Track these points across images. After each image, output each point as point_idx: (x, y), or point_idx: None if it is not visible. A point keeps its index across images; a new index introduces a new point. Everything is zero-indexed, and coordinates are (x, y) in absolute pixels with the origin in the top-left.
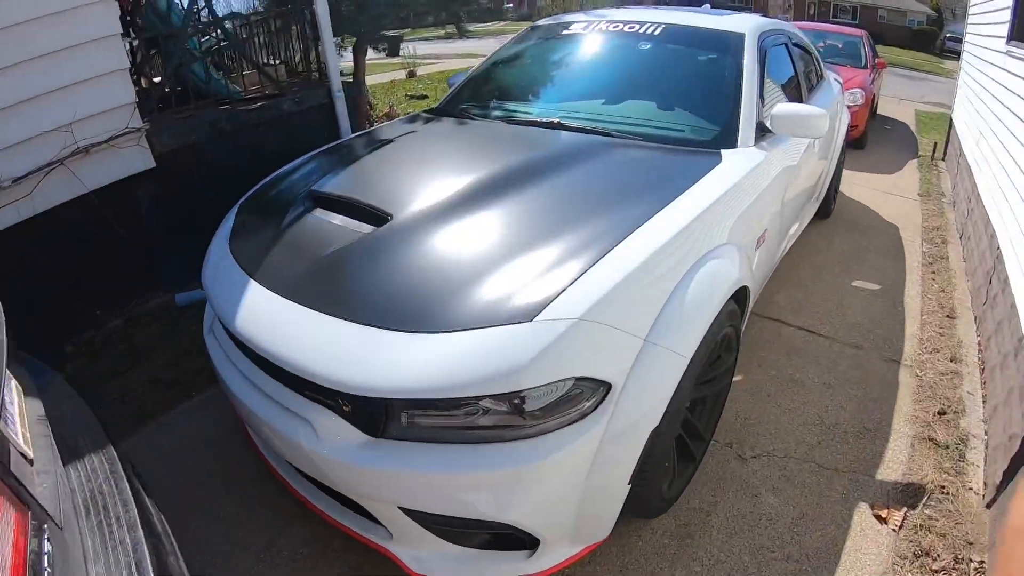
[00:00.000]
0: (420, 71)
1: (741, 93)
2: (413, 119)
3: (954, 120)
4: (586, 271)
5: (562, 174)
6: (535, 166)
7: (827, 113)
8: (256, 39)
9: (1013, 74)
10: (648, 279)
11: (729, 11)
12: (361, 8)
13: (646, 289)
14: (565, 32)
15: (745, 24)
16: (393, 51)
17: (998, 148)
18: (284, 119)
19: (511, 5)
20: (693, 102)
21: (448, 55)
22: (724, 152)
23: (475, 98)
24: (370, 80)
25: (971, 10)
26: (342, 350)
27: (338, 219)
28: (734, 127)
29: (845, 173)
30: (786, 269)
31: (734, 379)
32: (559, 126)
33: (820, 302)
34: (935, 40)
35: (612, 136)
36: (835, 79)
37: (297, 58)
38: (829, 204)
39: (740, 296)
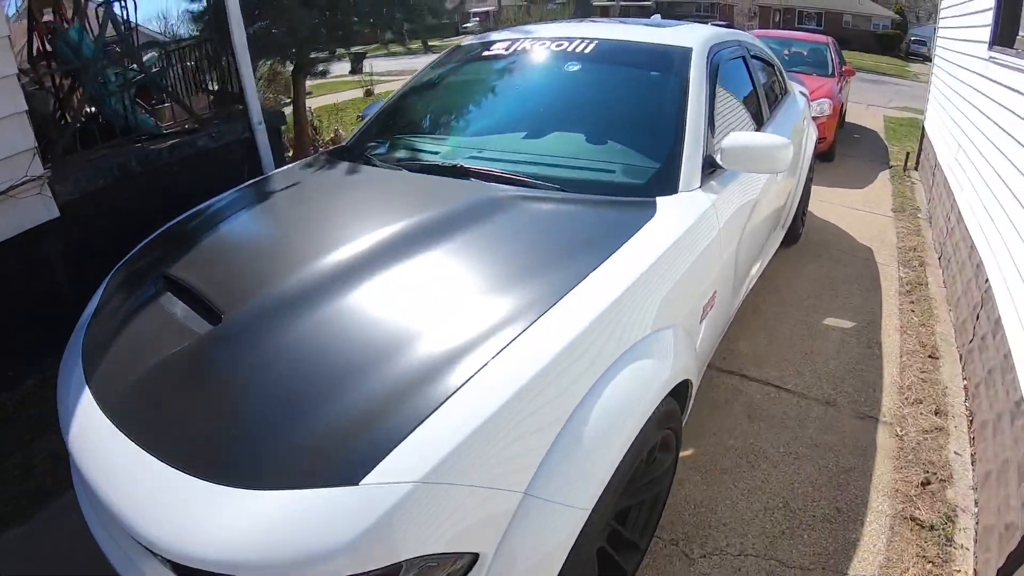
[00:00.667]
0: (379, 88)
1: (685, 123)
2: (311, 163)
3: (927, 128)
4: (441, 406)
5: (445, 250)
6: (413, 238)
7: (789, 142)
8: (174, 70)
9: (1000, 84)
10: (529, 410)
11: (678, 22)
12: (291, 31)
13: (526, 425)
14: (487, 53)
15: (693, 37)
16: (355, 68)
17: (983, 166)
18: (201, 156)
19: (478, 20)
20: (628, 135)
21: (410, 71)
22: (660, 201)
23: (381, 135)
24: (327, 100)
25: (943, 12)
26: (152, 498)
27: (181, 309)
28: (674, 167)
29: (814, 189)
30: (749, 310)
31: (683, 454)
32: (463, 172)
33: (787, 348)
34: (900, 43)
35: (523, 184)
36: (800, 91)
37: (215, 89)
38: (797, 229)
39: (679, 388)
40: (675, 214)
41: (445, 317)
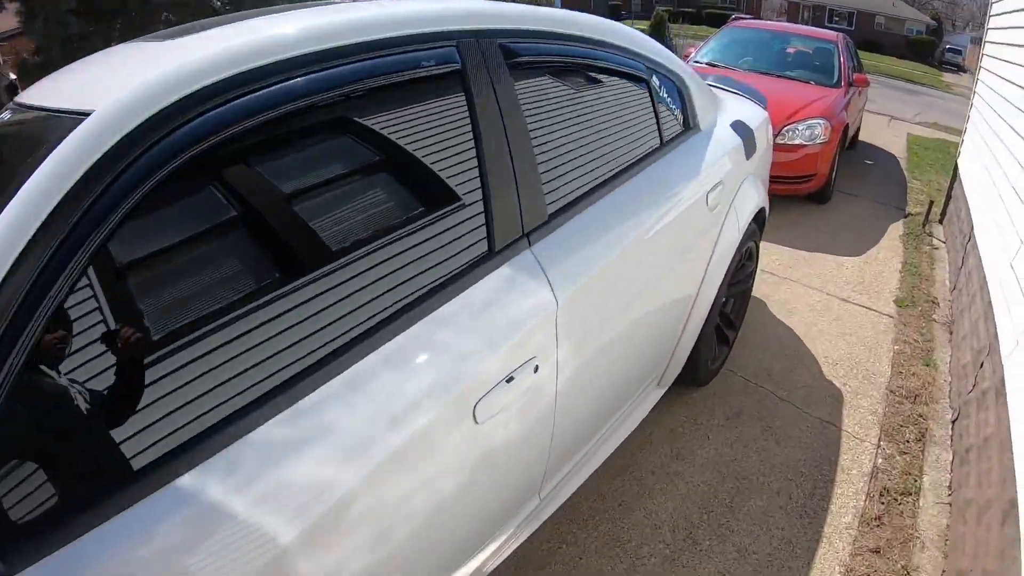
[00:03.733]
0: None
1: None
2: None
3: (961, 169)
4: None
5: None
6: None
7: None
8: None
9: None
10: None
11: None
12: None
13: None
14: None
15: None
16: None
17: None
18: None
19: None
20: None
21: None
22: None
23: None
24: None
25: (995, 7)
26: None
27: None
28: None
29: (787, 254)
30: None
31: None
32: None
33: None
34: (934, 51)
35: None
36: (736, 121)
37: None
38: (700, 367)
39: None
40: None
41: None
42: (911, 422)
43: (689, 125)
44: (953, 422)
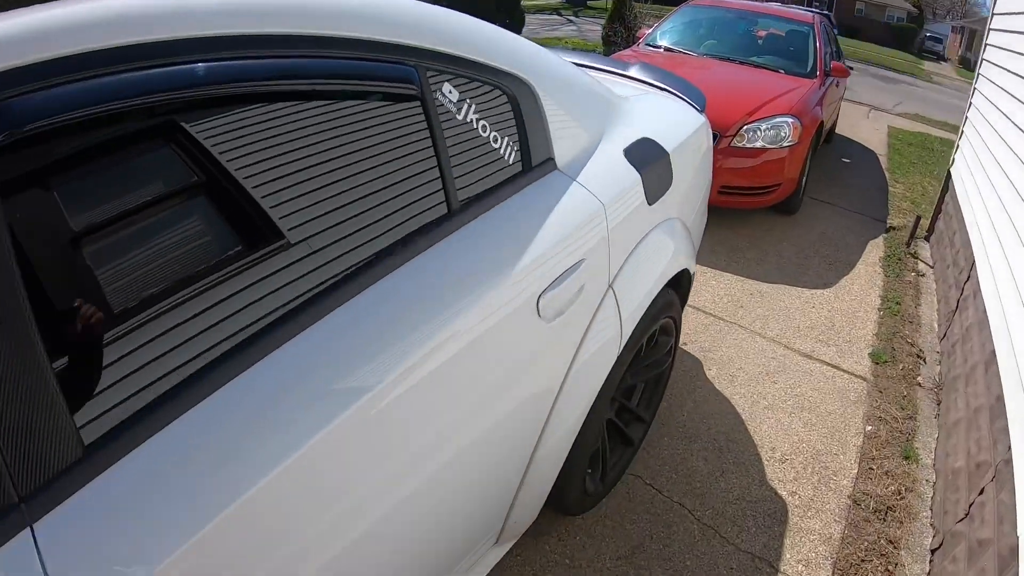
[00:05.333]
0: None
1: None
2: None
3: (955, 180)
4: None
5: None
6: None
7: None
8: None
9: None
10: None
11: None
12: None
13: None
14: None
15: None
16: None
17: None
18: None
19: None
20: None
21: None
22: None
23: None
24: None
25: None
26: None
27: None
28: None
29: (739, 288)
30: None
31: None
32: None
33: None
34: (914, 39)
35: None
36: (647, 138)
37: None
38: (567, 502)
39: None
40: None
41: None
42: (876, 553)
43: (531, 163)
44: (933, 551)
